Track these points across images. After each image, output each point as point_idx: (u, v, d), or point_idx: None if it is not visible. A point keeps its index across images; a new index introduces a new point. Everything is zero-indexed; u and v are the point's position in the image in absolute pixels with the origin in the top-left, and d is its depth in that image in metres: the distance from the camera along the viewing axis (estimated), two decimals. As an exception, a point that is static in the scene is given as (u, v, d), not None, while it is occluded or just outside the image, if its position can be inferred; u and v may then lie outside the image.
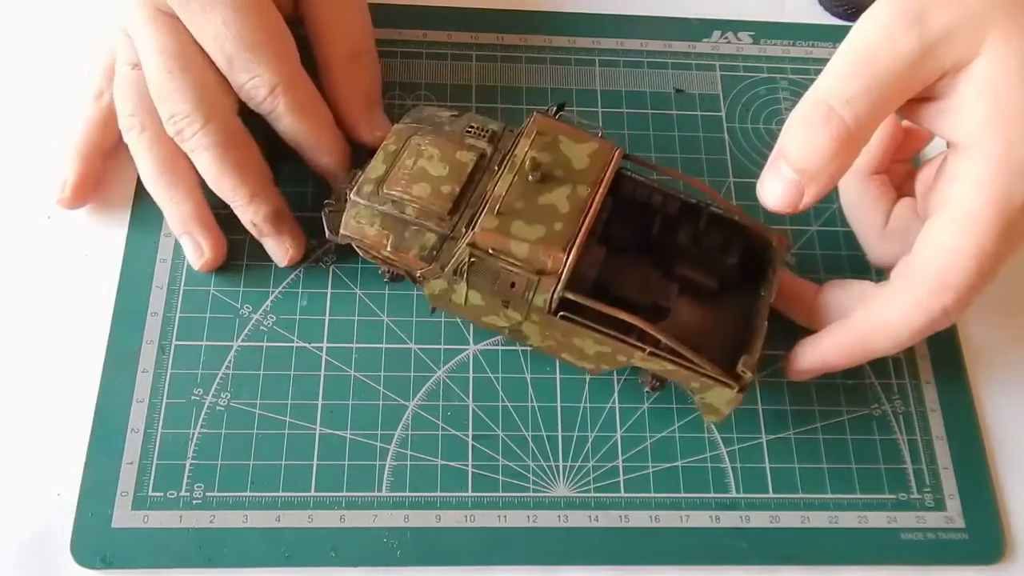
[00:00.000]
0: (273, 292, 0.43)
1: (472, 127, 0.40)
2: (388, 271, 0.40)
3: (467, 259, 0.36)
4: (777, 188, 0.34)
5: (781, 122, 0.49)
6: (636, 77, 0.49)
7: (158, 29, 0.39)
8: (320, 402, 0.41)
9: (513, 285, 0.36)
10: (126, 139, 0.41)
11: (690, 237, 0.40)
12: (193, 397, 0.40)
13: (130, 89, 0.41)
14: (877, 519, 0.40)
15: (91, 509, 0.38)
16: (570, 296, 0.35)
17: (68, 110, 0.44)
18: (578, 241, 0.35)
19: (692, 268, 0.40)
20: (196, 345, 0.41)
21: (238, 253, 0.43)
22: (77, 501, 0.38)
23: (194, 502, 0.38)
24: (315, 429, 0.40)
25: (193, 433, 0.39)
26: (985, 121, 0.32)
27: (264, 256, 0.43)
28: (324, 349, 0.42)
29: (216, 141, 0.39)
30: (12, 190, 0.44)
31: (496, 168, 0.38)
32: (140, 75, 0.40)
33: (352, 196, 0.38)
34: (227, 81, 0.40)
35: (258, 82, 0.39)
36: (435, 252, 0.37)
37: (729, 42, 0.51)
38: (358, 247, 0.39)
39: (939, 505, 0.40)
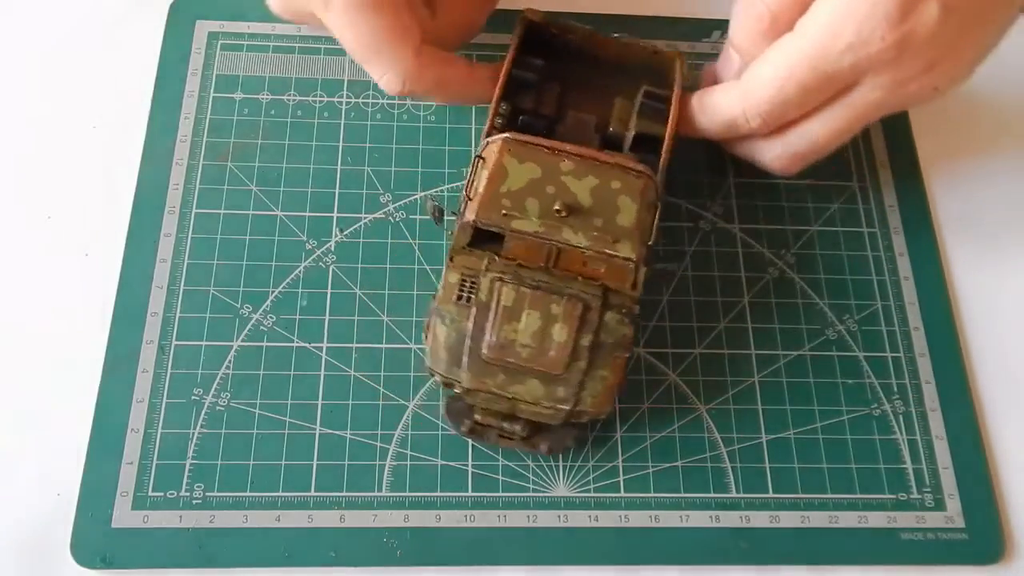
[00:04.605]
0: (273, 292, 0.43)
1: (460, 293, 0.36)
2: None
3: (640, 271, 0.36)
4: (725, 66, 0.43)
5: (781, 122, 0.49)
6: (636, 77, 0.49)
7: None
8: (320, 402, 0.41)
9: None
10: None
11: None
12: (193, 397, 0.40)
13: None
14: (877, 519, 0.40)
15: (91, 509, 0.38)
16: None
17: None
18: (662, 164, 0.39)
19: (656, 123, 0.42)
20: (196, 345, 0.41)
21: (238, 253, 0.43)
22: (77, 501, 0.38)
23: (194, 502, 0.38)
24: (315, 429, 0.40)
25: (193, 433, 0.39)
26: None
27: (264, 256, 0.43)
28: (324, 349, 0.42)
29: None
30: (12, 189, 0.44)
31: (503, 269, 0.36)
32: None
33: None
34: None
35: None
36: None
37: (729, 42, 0.51)
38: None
39: (939, 505, 0.40)
